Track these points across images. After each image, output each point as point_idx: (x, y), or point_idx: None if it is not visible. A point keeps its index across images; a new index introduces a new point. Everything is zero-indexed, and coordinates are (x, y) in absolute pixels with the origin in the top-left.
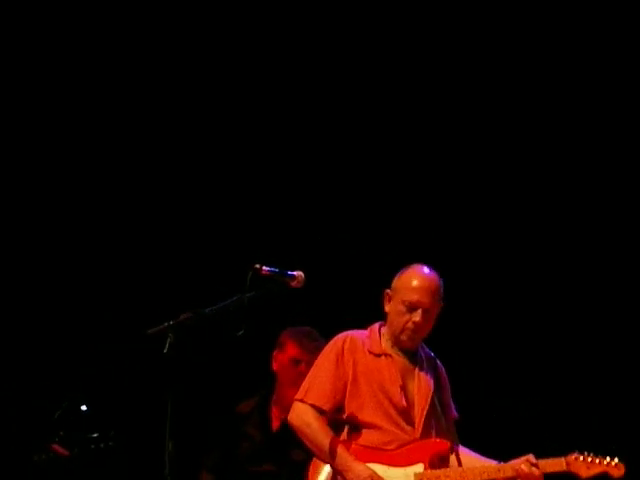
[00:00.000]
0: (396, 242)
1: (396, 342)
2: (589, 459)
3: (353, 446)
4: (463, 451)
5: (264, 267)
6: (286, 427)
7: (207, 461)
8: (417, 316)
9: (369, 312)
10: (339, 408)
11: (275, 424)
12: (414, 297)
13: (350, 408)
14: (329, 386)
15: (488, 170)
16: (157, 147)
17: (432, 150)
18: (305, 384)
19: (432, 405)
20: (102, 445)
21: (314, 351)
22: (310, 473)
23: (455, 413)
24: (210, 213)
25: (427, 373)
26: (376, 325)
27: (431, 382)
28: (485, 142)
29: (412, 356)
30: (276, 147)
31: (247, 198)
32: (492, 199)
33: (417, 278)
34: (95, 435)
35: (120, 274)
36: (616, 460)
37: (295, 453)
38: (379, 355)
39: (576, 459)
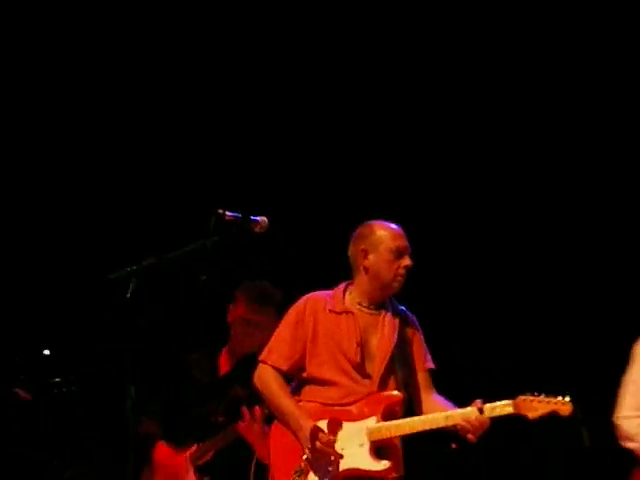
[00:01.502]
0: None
1: (381, 293)
2: (537, 400)
3: (310, 404)
4: (434, 400)
5: (227, 212)
6: (234, 372)
7: (150, 406)
8: (407, 260)
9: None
10: (301, 368)
11: (223, 369)
12: (402, 243)
13: (310, 367)
14: (287, 347)
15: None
16: (120, 96)
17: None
18: (268, 345)
19: (393, 358)
20: (64, 389)
21: (262, 314)
22: (272, 433)
23: (429, 364)
24: (174, 158)
25: (391, 327)
26: (342, 285)
27: (394, 335)
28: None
29: (378, 311)
30: (244, 93)
31: (212, 144)
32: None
33: (393, 227)
34: (57, 380)
35: (83, 220)
36: (563, 398)
37: (235, 389)
38: (340, 313)
39: (524, 401)
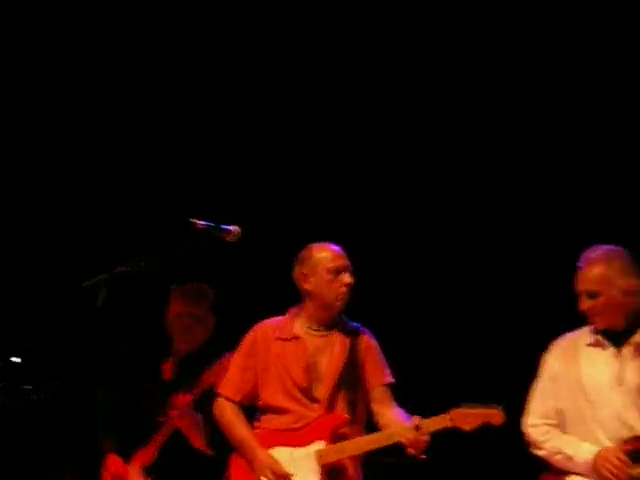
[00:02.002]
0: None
1: (326, 314)
2: (471, 411)
3: (263, 431)
4: (392, 414)
5: (199, 221)
6: (176, 376)
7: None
8: (347, 278)
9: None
10: (256, 396)
11: (167, 374)
12: (340, 262)
13: (263, 395)
14: (238, 378)
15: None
16: (85, 102)
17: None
18: (224, 377)
19: (341, 379)
20: (35, 397)
21: (198, 307)
22: (232, 466)
23: (387, 378)
24: (147, 166)
25: (341, 347)
26: (293, 310)
27: (343, 356)
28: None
29: (328, 332)
30: (216, 102)
31: (184, 152)
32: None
33: (330, 248)
34: (29, 387)
35: (56, 227)
36: (495, 408)
37: (180, 392)
38: (288, 339)
39: (458, 413)
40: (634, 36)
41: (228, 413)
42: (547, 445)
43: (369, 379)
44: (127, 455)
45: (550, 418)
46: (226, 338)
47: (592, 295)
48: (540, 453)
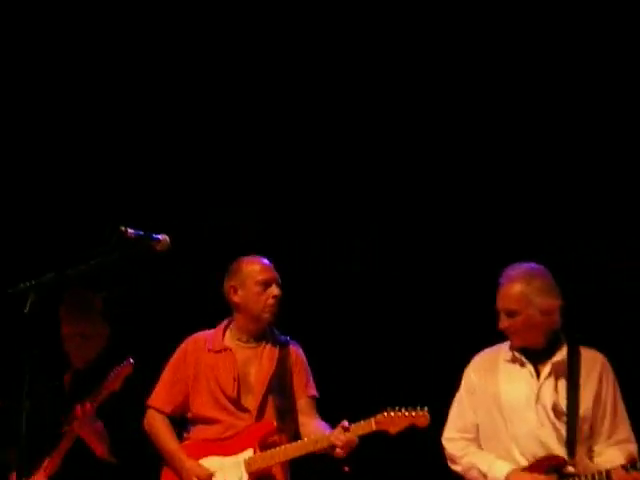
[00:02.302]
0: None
1: (255, 326)
2: (397, 414)
3: (192, 442)
4: (314, 426)
5: (129, 229)
6: (77, 388)
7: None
8: (275, 290)
9: None
10: (186, 408)
11: (68, 387)
12: (268, 274)
13: (193, 407)
14: (168, 389)
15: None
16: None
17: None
18: (154, 389)
19: (271, 389)
20: None
21: (84, 323)
22: (163, 474)
23: (311, 391)
24: (77, 174)
25: (270, 358)
26: (224, 322)
27: (272, 367)
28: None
29: (257, 344)
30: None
31: (113, 159)
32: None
33: (258, 260)
34: None
35: None
36: (420, 410)
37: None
38: (218, 351)
39: (384, 417)
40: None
41: (157, 425)
42: (463, 461)
43: (296, 390)
44: (32, 466)
45: (468, 432)
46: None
47: (510, 314)
48: (456, 468)
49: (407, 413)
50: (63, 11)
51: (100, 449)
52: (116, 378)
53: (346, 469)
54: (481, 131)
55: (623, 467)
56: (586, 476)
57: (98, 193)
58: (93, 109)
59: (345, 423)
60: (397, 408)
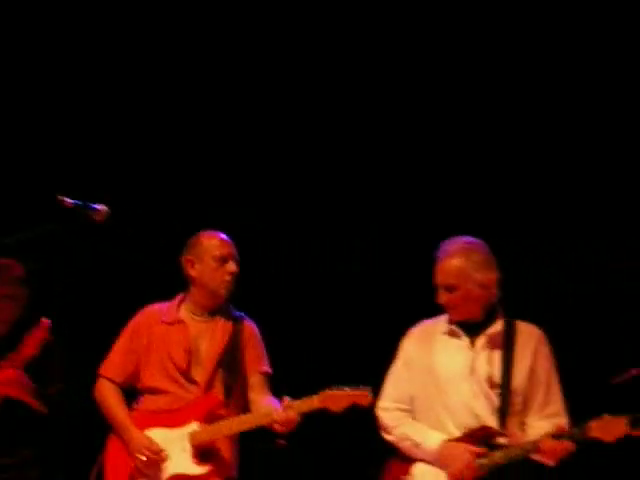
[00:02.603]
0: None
1: (210, 301)
2: (340, 392)
3: (140, 413)
4: (264, 401)
5: (67, 199)
6: None
7: None
8: (232, 266)
9: None
10: (137, 379)
11: None
12: (226, 250)
13: (143, 377)
14: (120, 359)
15: None
16: None
17: None
18: (106, 358)
19: (221, 363)
20: None
21: (4, 285)
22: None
23: (264, 368)
24: (12, 142)
25: (223, 333)
26: (180, 296)
27: (223, 341)
28: None
29: (211, 318)
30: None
31: (53, 128)
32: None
33: (217, 236)
34: None
35: None
36: (364, 390)
37: None
38: (172, 323)
39: (328, 394)
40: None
41: (107, 394)
42: (397, 431)
43: (247, 366)
44: None
45: (403, 403)
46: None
47: (449, 288)
48: (389, 438)
49: (350, 392)
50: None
51: (30, 399)
52: (33, 342)
53: (281, 443)
54: (480, 130)
55: (552, 436)
56: (516, 447)
57: (35, 161)
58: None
59: (287, 400)
60: (340, 386)
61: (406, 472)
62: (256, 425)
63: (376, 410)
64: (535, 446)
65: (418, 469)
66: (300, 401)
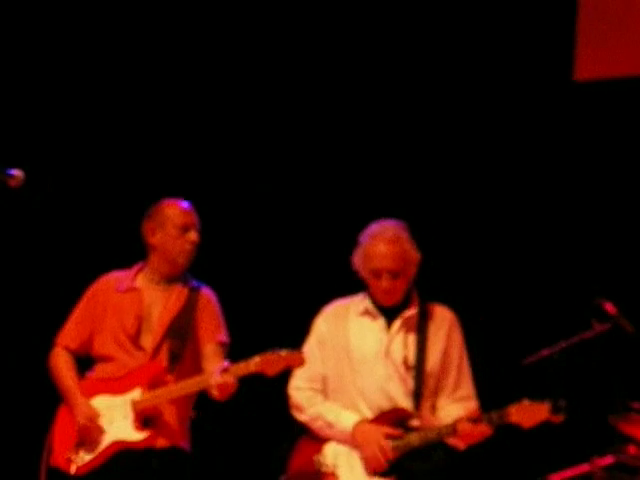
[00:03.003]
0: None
1: (169, 269)
2: (275, 356)
3: (89, 381)
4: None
5: None
6: None
7: None
8: (193, 235)
9: None
10: (91, 347)
11: None
12: (188, 219)
13: (96, 345)
14: (75, 326)
15: None
16: None
17: None
18: (62, 327)
19: (171, 331)
20: None
21: None
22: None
23: (221, 338)
24: None
25: (176, 301)
26: (139, 264)
27: (176, 308)
28: None
29: (168, 286)
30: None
31: None
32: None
33: (179, 205)
34: None
35: None
36: (297, 352)
37: None
38: (127, 291)
39: (264, 359)
40: None
41: (58, 360)
42: (310, 411)
43: (202, 335)
44: None
45: (315, 382)
46: None
47: (396, 274)
48: (301, 417)
49: (284, 354)
50: None
51: None
52: None
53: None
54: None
55: (470, 420)
56: (432, 430)
57: None
58: None
59: (224, 364)
60: (275, 350)
61: (318, 451)
62: (194, 390)
63: (288, 389)
64: (452, 429)
65: (330, 449)
66: (236, 365)
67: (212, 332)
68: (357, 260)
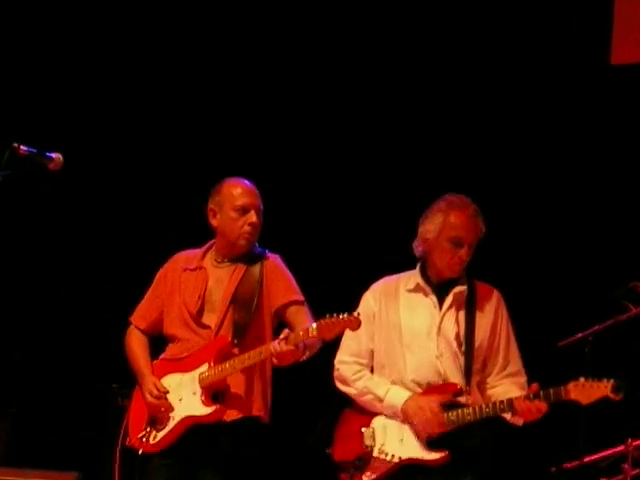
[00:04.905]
0: None
1: (231, 250)
2: (332, 320)
3: (160, 361)
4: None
5: (22, 146)
6: None
7: None
8: (252, 217)
9: None
10: (160, 326)
11: None
12: (247, 200)
13: (165, 324)
14: (146, 306)
15: None
16: None
17: None
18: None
19: (234, 305)
20: None
21: None
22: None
23: (295, 297)
24: None
25: (237, 275)
26: (209, 243)
27: (236, 282)
28: None
29: (233, 264)
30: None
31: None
32: None
33: (239, 185)
34: None
35: None
36: (353, 315)
37: None
38: (194, 270)
39: (323, 324)
40: None
41: (130, 339)
42: (358, 384)
43: (273, 299)
44: None
45: (362, 357)
46: None
47: (470, 247)
48: (348, 390)
49: (340, 318)
50: None
51: None
52: None
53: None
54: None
55: (526, 397)
56: (488, 405)
57: None
58: None
59: (285, 333)
60: (334, 314)
61: (365, 424)
62: (257, 360)
63: (335, 362)
64: (509, 405)
65: (379, 422)
66: (296, 332)
67: (283, 294)
68: (431, 228)
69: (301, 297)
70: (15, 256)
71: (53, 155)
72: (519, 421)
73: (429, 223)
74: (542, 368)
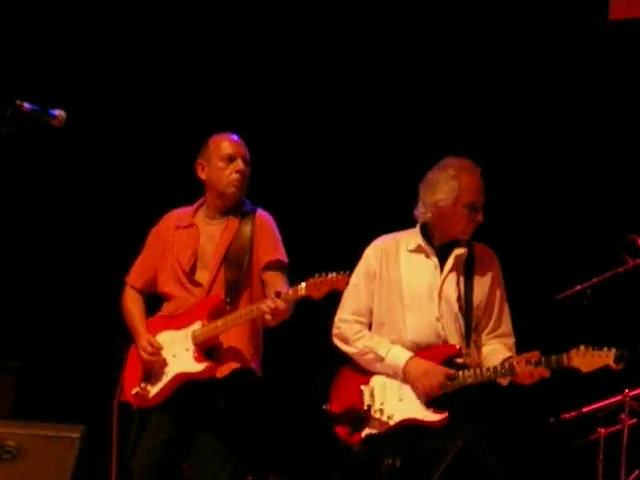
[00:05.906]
0: None
1: (222, 202)
2: (320, 279)
3: (155, 319)
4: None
5: (25, 104)
6: None
7: None
8: (239, 164)
9: None
10: (155, 285)
11: None
12: (233, 149)
13: (159, 283)
14: (140, 264)
15: None
16: None
17: None
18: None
19: (226, 262)
20: None
21: None
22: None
23: (279, 256)
24: None
25: (229, 232)
26: (198, 201)
27: (229, 240)
28: None
29: (223, 220)
30: None
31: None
32: None
33: (225, 137)
34: None
35: None
36: (342, 274)
37: None
38: (186, 227)
39: (312, 282)
40: None
41: (126, 299)
42: (358, 343)
43: (260, 256)
44: None
45: (362, 316)
46: None
47: (481, 208)
48: (348, 349)
49: (329, 277)
50: None
51: None
52: None
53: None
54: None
55: (528, 361)
56: (489, 368)
57: None
58: None
59: (277, 290)
60: (322, 273)
61: (364, 382)
62: (249, 317)
63: (335, 321)
64: (510, 370)
65: (378, 381)
66: (288, 290)
67: (270, 252)
68: (444, 196)
69: (286, 259)
70: (18, 211)
71: (56, 112)
72: (504, 381)
73: (441, 191)
74: (540, 321)
